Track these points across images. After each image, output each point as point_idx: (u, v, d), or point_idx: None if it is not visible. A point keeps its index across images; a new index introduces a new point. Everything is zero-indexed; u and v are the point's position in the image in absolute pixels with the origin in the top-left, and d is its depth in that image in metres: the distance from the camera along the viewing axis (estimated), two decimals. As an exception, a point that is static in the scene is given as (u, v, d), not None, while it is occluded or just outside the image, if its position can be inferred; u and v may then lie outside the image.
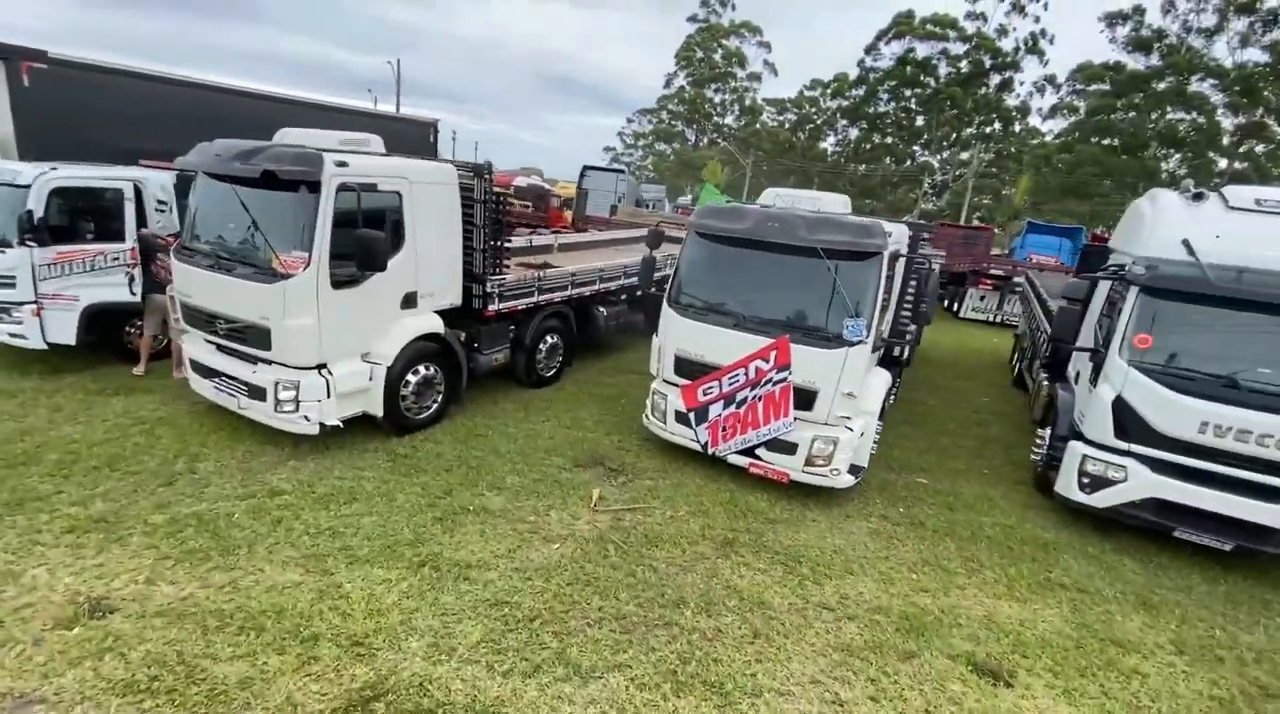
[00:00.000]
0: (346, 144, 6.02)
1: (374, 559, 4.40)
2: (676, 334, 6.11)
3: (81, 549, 4.20)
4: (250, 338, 5.51)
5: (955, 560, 5.19)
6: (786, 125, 69.09)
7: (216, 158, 5.39)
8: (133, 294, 6.88)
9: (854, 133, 65.00)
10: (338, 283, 5.44)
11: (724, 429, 5.95)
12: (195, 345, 6.05)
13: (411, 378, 6.28)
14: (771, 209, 6.15)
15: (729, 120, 70.97)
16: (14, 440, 5.47)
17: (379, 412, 6.02)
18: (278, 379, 5.44)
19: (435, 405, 6.63)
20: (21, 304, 6.58)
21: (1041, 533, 5.78)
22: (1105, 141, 39.75)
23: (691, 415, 5.99)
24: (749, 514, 5.58)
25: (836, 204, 6.64)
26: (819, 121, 68.32)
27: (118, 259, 6.80)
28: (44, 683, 3.18)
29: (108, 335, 7.12)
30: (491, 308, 7.00)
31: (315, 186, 5.23)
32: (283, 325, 5.27)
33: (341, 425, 5.76)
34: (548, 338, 8.21)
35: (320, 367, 5.55)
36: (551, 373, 8.47)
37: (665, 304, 6.25)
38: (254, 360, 5.64)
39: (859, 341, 5.36)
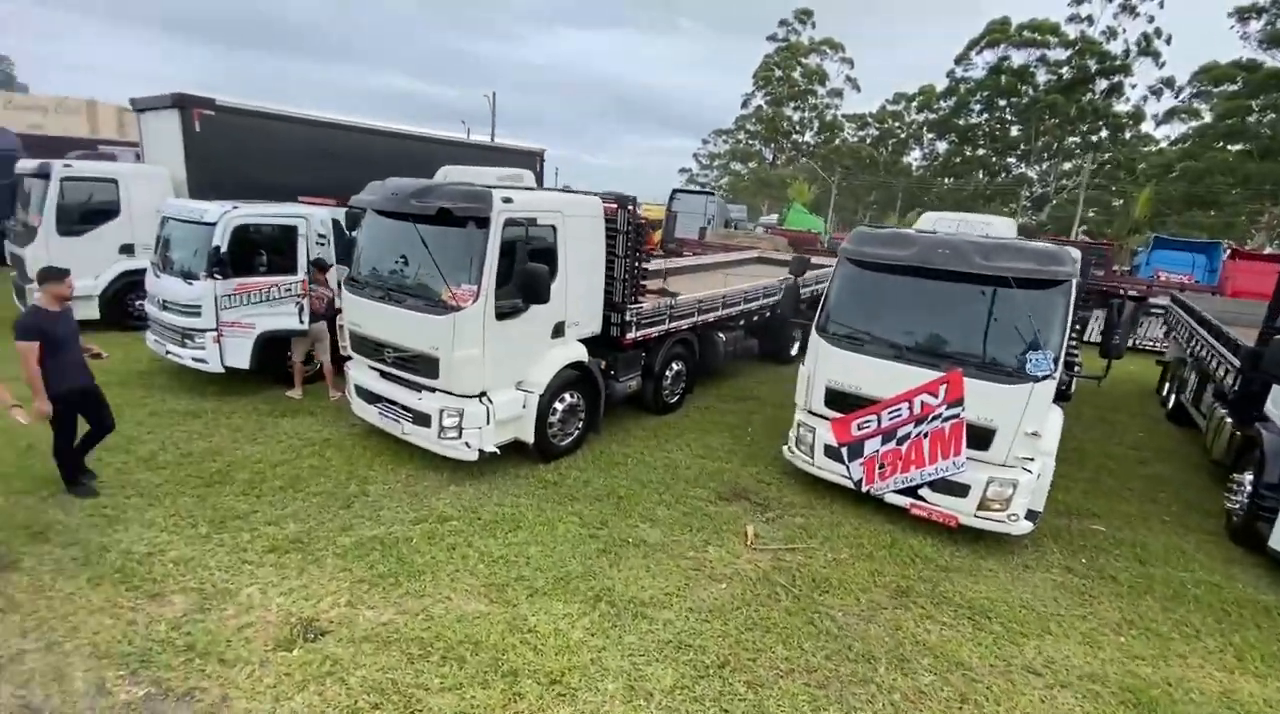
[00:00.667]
0: (505, 179, 6.23)
1: (551, 591, 4.41)
2: (828, 364, 5.90)
3: (285, 569, 4.43)
4: (417, 366, 5.75)
5: (1164, 623, 4.66)
6: (868, 140, 67.46)
7: (392, 196, 5.69)
8: (301, 323, 7.37)
9: (942, 146, 62.60)
10: (501, 314, 5.60)
11: (882, 466, 5.65)
12: (360, 372, 6.37)
13: (558, 406, 6.37)
14: (937, 235, 5.86)
15: (808, 137, 69.98)
16: (207, 459, 5.91)
17: (529, 438, 6.13)
18: (443, 406, 5.63)
19: (577, 432, 6.70)
20: (204, 331, 7.17)
21: (1257, 594, 5.12)
22: (1238, 147, 36.26)
23: (844, 450, 5.73)
24: (918, 560, 5.25)
25: (1006, 228, 6.26)
26: (903, 136, 66.34)
27: (290, 290, 7.33)
28: (276, 706, 3.33)
29: (269, 361, 7.63)
30: (629, 336, 7.03)
31: (484, 222, 5.42)
32: (451, 356, 5.46)
33: (499, 452, 5.89)
34: (673, 365, 8.18)
35: (481, 395, 5.71)
36: (675, 400, 8.42)
37: (815, 333, 6.06)
38: (419, 388, 5.87)
39: (1045, 376, 4.97)
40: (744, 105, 71.56)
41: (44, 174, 9.34)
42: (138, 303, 10.27)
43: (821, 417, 6.02)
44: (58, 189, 9.33)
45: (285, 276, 7.32)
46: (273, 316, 7.34)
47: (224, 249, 6.98)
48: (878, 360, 5.63)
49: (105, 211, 9.81)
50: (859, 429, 5.65)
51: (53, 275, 4.87)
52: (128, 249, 10.08)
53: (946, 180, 61.06)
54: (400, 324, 5.75)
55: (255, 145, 10.89)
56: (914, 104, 62.70)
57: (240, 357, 7.30)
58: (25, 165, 10.34)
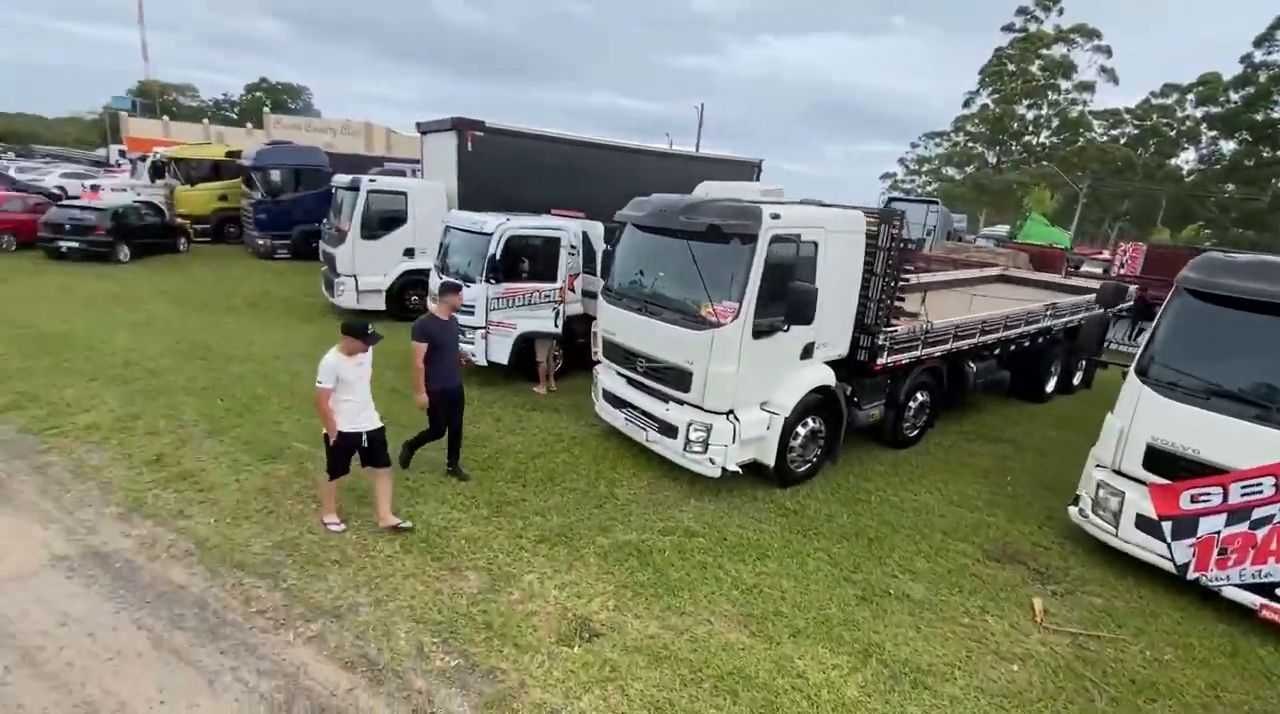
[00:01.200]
0: (767, 195, 6.11)
1: (813, 635, 4.14)
2: (1154, 418, 4.86)
3: (555, 560, 4.71)
4: (668, 378, 5.84)
5: None
6: (1122, 140, 57.46)
7: (660, 212, 5.85)
8: (556, 326, 8.00)
9: (1228, 146, 51.28)
10: (758, 332, 5.47)
11: (1223, 552, 4.51)
12: (609, 377, 6.67)
13: (800, 430, 6.08)
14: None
15: (1044, 138, 61.49)
16: (478, 445, 6.58)
17: (770, 461, 5.92)
18: (691, 420, 5.65)
19: (814, 460, 6.35)
20: (475, 328, 8.06)
21: None
22: None
23: (1166, 525, 4.67)
24: (1273, 678, 4.09)
25: None
26: (1172, 134, 55.45)
27: (548, 296, 7.99)
28: (567, 702, 3.47)
29: (521, 359, 8.36)
30: (880, 361, 6.50)
31: (750, 238, 5.32)
32: (706, 371, 5.45)
33: (740, 472, 5.78)
34: (918, 395, 7.44)
35: (729, 412, 5.62)
36: (915, 433, 7.67)
37: (1134, 377, 5.04)
38: (667, 398, 5.96)
39: None
40: (966, 104, 64.92)
41: (354, 187, 11.28)
42: (414, 297, 12.06)
43: (1136, 480, 4.99)
44: (365, 199, 11.21)
45: (546, 283, 7.97)
46: (532, 319, 8.04)
47: (498, 256, 7.77)
48: (1231, 419, 4.51)
49: (396, 219, 11.58)
50: (1192, 502, 4.57)
51: (450, 289, 5.66)
52: (409, 252, 11.80)
53: (1230, 187, 49.76)
54: (656, 336, 5.88)
55: (514, 162, 12.13)
56: (1190, 97, 52.11)
57: (501, 353, 8.10)
58: (340, 179, 12.60)
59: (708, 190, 6.33)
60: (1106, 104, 58.12)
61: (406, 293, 11.91)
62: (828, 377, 6.16)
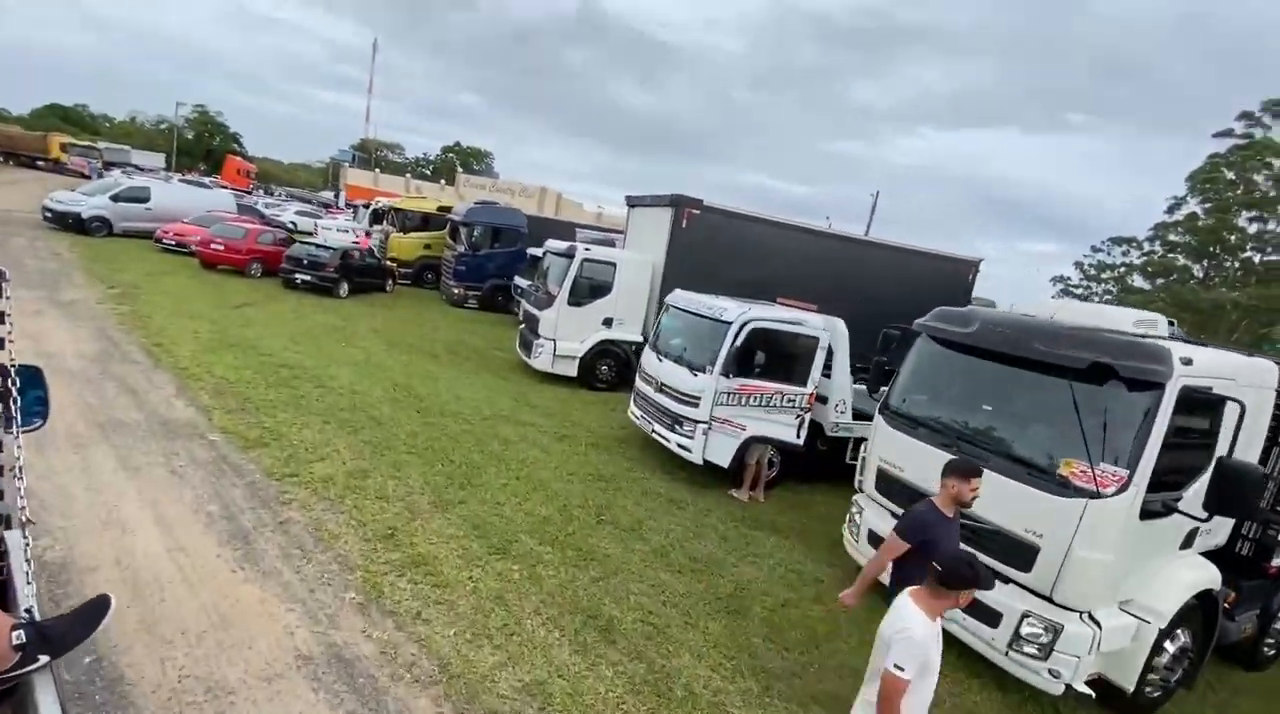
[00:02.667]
0: (1140, 325, 4.80)
1: None
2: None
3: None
4: (991, 545, 4.54)
5: None
6: (1382, 261, 48.16)
7: (1004, 334, 4.72)
8: (798, 437, 6.99)
9: None
10: (1146, 513, 4.07)
11: None
12: (877, 514, 5.48)
13: (1170, 645, 4.46)
14: None
15: (1269, 255, 53.21)
16: (714, 572, 5.59)
17: (1128, 684, 4.35)
18: (1027, 611, 4.28)
19: (1172, 684, 4.65)
20: (697, 422, 7.25)
21: None
22: None
23: None
24: None
25: None
26: None
27: (793, 401, 7.04)
28: None
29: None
30: (1276, 561, 4.75)
31: (1151, 386, 4.03)
32: (1068, 553, 4.11)
33: (1093, 695, 4.26)
34: (1295, 605, 5.46)
35: (1086, 612, 4.19)
36: (1273, 653, 5.62)
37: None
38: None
39: None
40: (1170, 211, 58.26)
41: (570, 254, 11.29)
42: (604, 367, 11.72)
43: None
44: (578, 267, 11.16)
45: (792, 386, 7.03)
46: (766, 422, 7.11)
47: (737, 347, 6.99)
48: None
49: (601, 288, 11.42)
50: None
51: (959, 470, 3.58)
52: (608, 322, 11.55)
53: None
54: (987, 488, 4.64)
55: (726, 243, 11.68)
56: None
57: (723, 454, 7.20)
58: (554, 245, 12.82)
59: (1059, 310, 5.13)
60: (1366, 224, 49.42)
61: (598, 362, 11.59)
62: (1213, 578, 4.54)
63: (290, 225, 29.34)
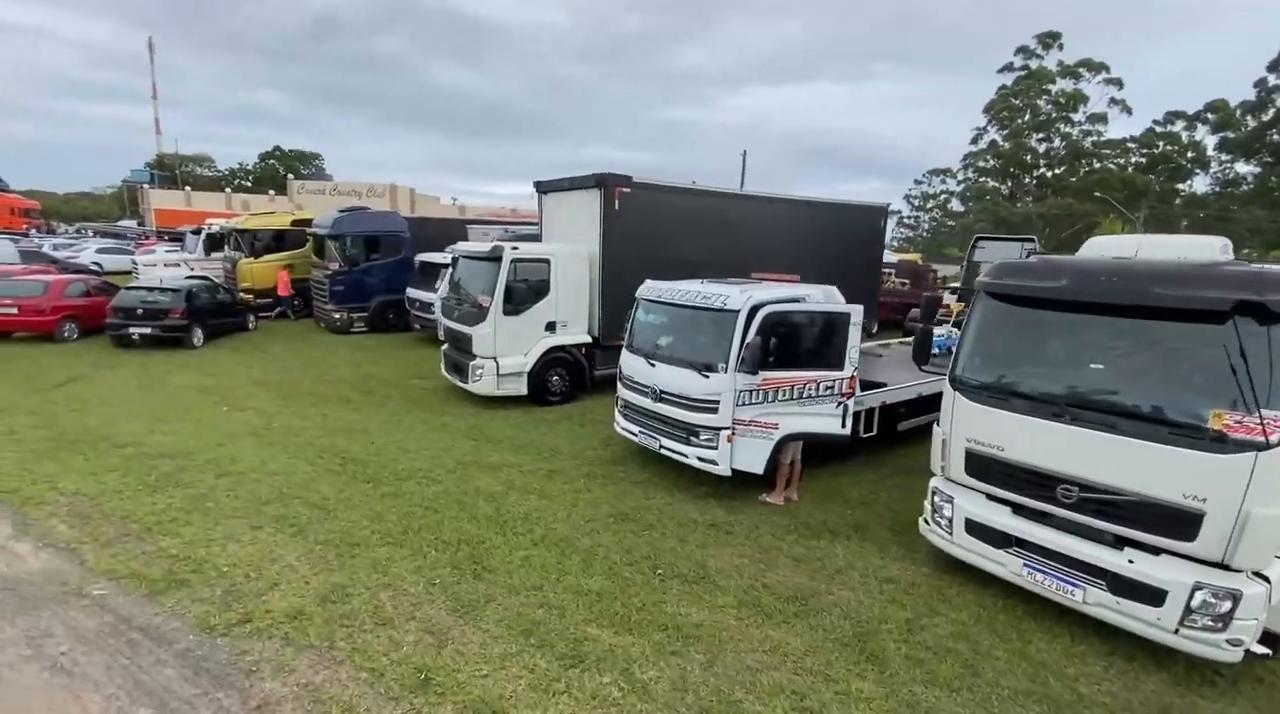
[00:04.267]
0: (1224, 251, 4.49)
1: None
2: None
3: None
4: (1132, 515, 4.09)
5: None
6: (1129, 168, 57.62)
7: (1109, 282, 4.19)
8: (844, 427, 6.22)
9: (1245, 168, 51.50)
10: (1307, 460, 3.74)
11: None
12: (982, 506, 4.90)
13: (1307, 579, 4.28)
14: None
15: (1058, 170, 61.77)
16: (822, 611, 4.75)
17: (1289, 635, 4.11)
18: (1196, 582, 3.87)
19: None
20: (717, 430, 6.35)
21: None
22: None
23: None
24: None
25: None
26: (1183, 161, 55.58)
27: (832, 388, 6.25)
28: None
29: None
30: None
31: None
32: (1242, 512, 3.70)
33: (1270, 653, 3.96)
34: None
35: (1260, 573, 3.85)
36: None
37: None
38: (1120, 543, 4.20)
39: None
40: (975, 141, 65.69)
41: (494, 257, 9.73)
42: (555, 378, 10.39)
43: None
44: (508, 270, 9.66)
45: (828, 371, 6.23)
46: (804, 416, 6.29)
47: (754, 339, 6.11)
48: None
49: (538, 291, 10.02)
50: None
51: None
52: (551, 327, 10.20)
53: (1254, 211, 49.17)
54: (1113, 454, 4.15)
55: (661, 220, 10.72)
56: (1199, 124, 52.32)
57: (755, 459, 6.35)
58: (465, 247, 11.13)
59: (1145, 248, 4.71)
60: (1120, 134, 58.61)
61: (548, 373, 10.25)
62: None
63: (95, 267, 24.25)
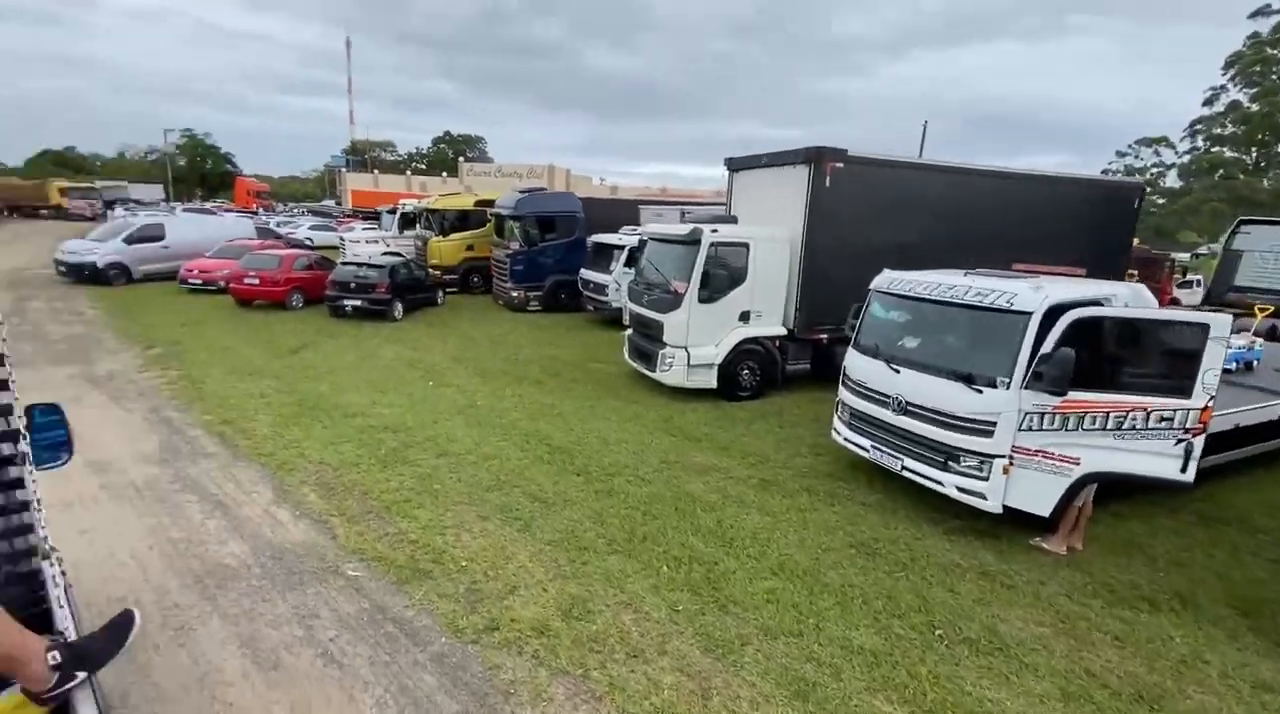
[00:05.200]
0: None
1: None
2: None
3: None
4: None
5: None
6: None
7: None
8: (1185, 473, 4.85)
9: None
10: None
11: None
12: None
13: None
14: None
15: (1343, 139, 49.64)
16: (1070, 668, 3.63)
17: None
18: None
19: None
20: (987, 458, 5.23)
21: None
22: None
23: None
24: None
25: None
26: None
27: (1169, 419, 4.89)
28: None
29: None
30: None
31: None
32: None
33: None
34: None
35: None
36: None
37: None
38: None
39: None
40: (1209, 104, 54.76)
41: (692, 239, 9.13)
42: (744, 371, 9.68)
43: None
44: (707, 254, 9.03)
45: (1166, 398, 4.85)
46: (1118, 452, 4.97)
47: (1062, 352, 4.88)
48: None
49: (735, 276, 9.31)
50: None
51: None
52: (745, 317, 9.47)
53: None
54: None
55: (878, 200, 9.51)
56: None
57: (1043, 499, 5.15)
58: (657, 229, 10.69)
59: None
60: None
61: (739, 367, 9.55)
62: None
63: (307, 242, 27.44)
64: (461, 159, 63.10)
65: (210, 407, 8.17)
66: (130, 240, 18.01)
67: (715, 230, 9.21)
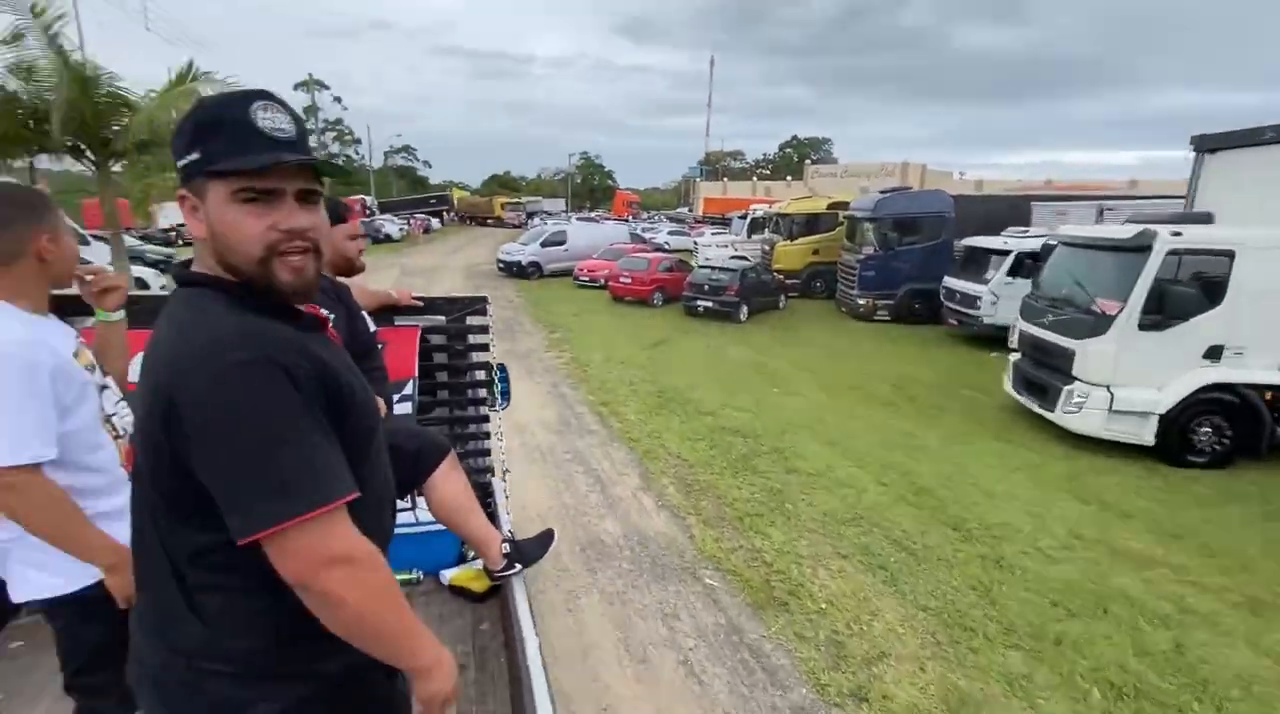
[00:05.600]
0: None
1: None
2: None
3: None
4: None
5: None
6: None
7: None
8: None
9: None
10: None
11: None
12: None
13: None
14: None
15: None
16: None
17: None
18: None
19: None
20: None
21: None
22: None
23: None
24: None
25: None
26: None
27: None
28: None
29: None
30: None
31: None
32: None
33: None
34: None
35: None
36: None
37: None
38: None
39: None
40: None
41: (1141, 246, 6.91)
42: (1204, 431, 7.01)
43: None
44: (1159, 264, 6.75)
45: None
46: None
47: None
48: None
49: (1204, 297, 6.77)
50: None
51: None
52: (1214, 353, 6.82)
53: None
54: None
55: None
56: None
57: None
58: (1082, 233, 8.56)
59: None
60: None
61: (1194, 420, 6.94)
62: None
63: (665, 246, 30.59)
64: (807, 162, 63.05)
65: (593, 388, 9.45)
66: (544, 244, 22.63)
67: (1178, 233, 6.82)
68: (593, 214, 57.66)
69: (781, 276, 18.02)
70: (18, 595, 1.54)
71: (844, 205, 17.61)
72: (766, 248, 19.81)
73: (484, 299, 3.25)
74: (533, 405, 8.64)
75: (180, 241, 27.25)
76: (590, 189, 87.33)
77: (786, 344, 12.87)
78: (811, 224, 18.80)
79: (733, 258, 19.57)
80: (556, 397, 9.10)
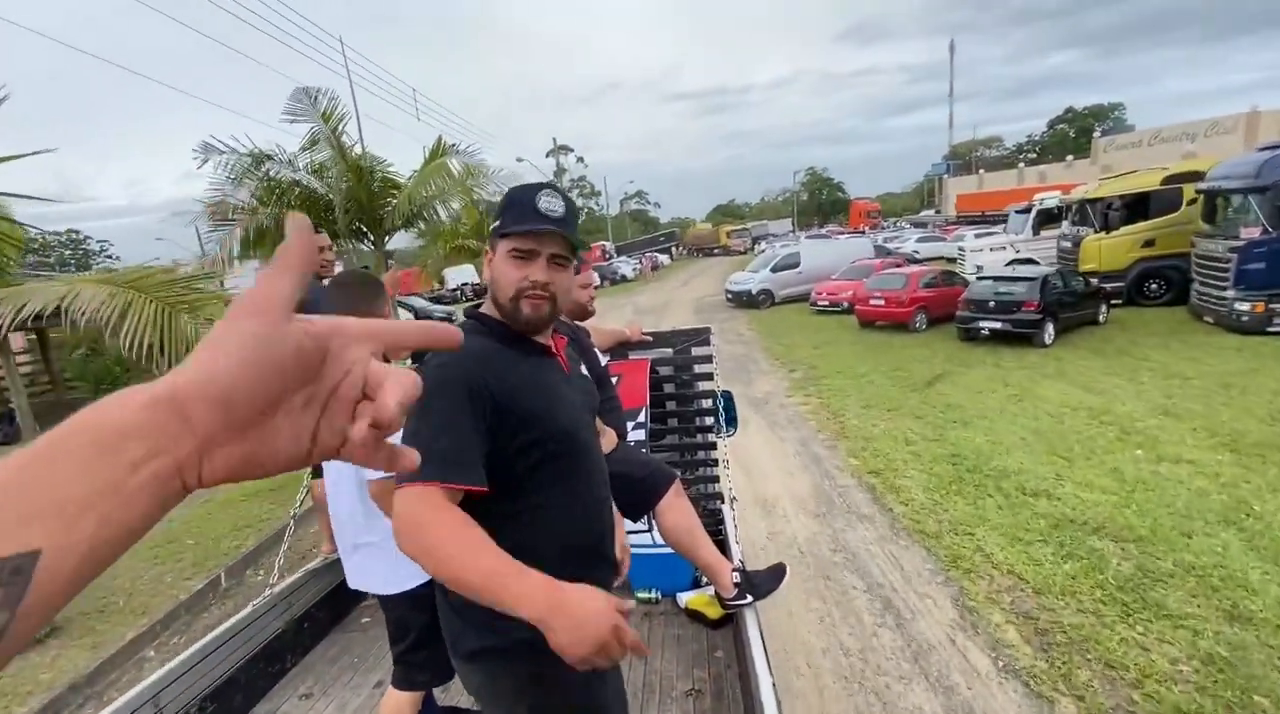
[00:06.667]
0: None
1: None
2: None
3: None
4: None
5: None
6: None
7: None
8: None
9: None
10: None
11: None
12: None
13: None
14: None
15: None
16: None
17: None
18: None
19: None
20: None
21: None
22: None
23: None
24: None
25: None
26: None
27: None
28: None
29: None
30: None
31: None
32: None
33: None
34: None
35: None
36: None
37: None
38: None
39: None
40: None
41: None
42: None
43: None
44: None
45: None
46: None
47: None
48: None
49: None
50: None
51: None
52: None
53: None
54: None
55: None
56: None
57: None
58: None
59: None
60: None
61: None
62: None
63: (914, 255, 26.69)
64: (1096, 134, 51.40)
65: (855, 448, 7.48)
66: (775, 269, 20.97)
67: None
68: (823, 230, 54.32)
69: (1096, 280, 13.73)
70: (365, 586, 2.08)
71: (1195, 175, 12.79)
72: (1069, 245, 15.45)
73: (707, 330, 3.39)
74: (780, 471, 7.02)
75: (464, 298, 32.07)
76: (818, 205, 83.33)
77: (1130, 375, 9.23)
78: (1137, 208, 14.10)
79: (1016, 261, 15.66)
80: (809, 460, 7.34)
